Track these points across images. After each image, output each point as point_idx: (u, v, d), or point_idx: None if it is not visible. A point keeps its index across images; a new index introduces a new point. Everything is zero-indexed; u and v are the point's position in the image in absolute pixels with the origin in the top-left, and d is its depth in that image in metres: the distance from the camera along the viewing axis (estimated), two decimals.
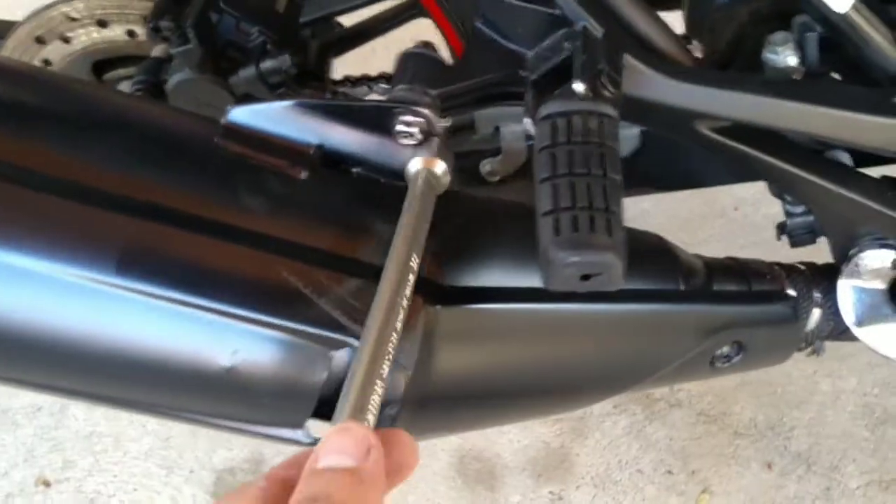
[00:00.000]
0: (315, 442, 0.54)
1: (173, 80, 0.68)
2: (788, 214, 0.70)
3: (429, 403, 0.54)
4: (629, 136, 0.67)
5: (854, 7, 0.54)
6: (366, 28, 0.82)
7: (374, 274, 0.51)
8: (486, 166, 0.70)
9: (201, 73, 0.67)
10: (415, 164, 0.52)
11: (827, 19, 0.55)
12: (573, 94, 0.50)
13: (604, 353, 0.59)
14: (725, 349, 0.65)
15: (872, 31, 0.55)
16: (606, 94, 0.51)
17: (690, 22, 0.73)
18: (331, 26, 0.82)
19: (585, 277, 0.45)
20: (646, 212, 1.21)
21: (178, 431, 1.13)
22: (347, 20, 0.88)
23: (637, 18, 0.56)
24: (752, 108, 0.56)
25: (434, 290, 0.52)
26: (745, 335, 0.64)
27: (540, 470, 1.08)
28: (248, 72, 0.67)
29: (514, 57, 0.57)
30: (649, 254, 0.64)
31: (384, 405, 0.51)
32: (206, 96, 0.67)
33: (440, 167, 0.52)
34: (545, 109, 0.50)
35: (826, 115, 0.57)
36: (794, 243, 0.71)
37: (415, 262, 0.48)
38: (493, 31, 0.57)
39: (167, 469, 1.12)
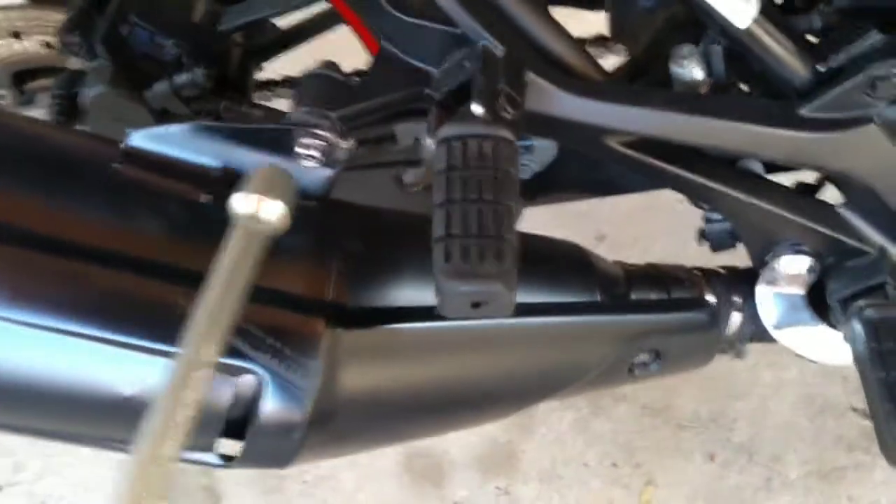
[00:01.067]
0: (226, 460, 0.54)
1: (88, 94, 0.67)
2: (707, 220, 0.70)
3: (337, 424, 0.54)
4: (545, 146, 0.67)
5: (755, 21, 0.54)
6: (292, 33, 0.81)
7: (273, 301, 0.51)
8: (407, 176, 0.70)
9: (114, 87, 0.66)
10: (238, 203, 0.49)
11: (730, 32, 0.55)
12: (470, 117, 0.50)
13: (516, 367, 0.59)
14: (643, 357, 0.65)
15: (775, 44, 0.55)
16: (505, 115, 0.51)
17: (613, 24, 0.74)
18: (259, 31, 0.81)
19: (476, 305, 0.45)
20: (593, 206, 1.21)
21: None
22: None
23: (542, 34, 0.56)
24: (656, 123, 0.56)
25: (338, 313, 0.52)
26: (663, 343, 0.65)
27: (487, 465, 1.09)
28: (161, 86, 0.66)
29: (421, 75, 0.56)
30: (566, 265, 0.64)
31: (287, 430, 0.52)
32: (121, 111, 0.66)
33: (269, 210, 0.49)
34: (442, 132, 0.50)
35: (730, 128, 0.57)
36: (714, 248, 0.72)
37: (226, 313, 0.46)
38: (398, 49, 0.56)
39: (118, 472, 1.11)
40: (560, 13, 0.64)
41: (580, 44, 0.60)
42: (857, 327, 0.63)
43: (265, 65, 0.82)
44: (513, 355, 0.59)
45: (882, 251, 0.64)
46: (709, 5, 0.52)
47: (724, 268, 0.73)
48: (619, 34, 0.73)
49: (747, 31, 0.53)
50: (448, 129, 0.49)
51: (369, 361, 0.54)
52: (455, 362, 0.57)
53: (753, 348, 1.14)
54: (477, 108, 0.50)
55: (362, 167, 0.66)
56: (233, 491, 1.09)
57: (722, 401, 1.10)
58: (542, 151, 0.67)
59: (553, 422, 1.11)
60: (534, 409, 1.11)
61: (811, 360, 0.71)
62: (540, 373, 0.61)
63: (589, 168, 0.70)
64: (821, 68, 0.56)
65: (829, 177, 0.65)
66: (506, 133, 0.49)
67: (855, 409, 1.08)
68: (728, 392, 1.11)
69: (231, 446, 0.54)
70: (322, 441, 0.55)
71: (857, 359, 0.63)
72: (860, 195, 0.63)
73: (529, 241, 0.67)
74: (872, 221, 0.64)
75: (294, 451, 0.54)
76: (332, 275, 0.52)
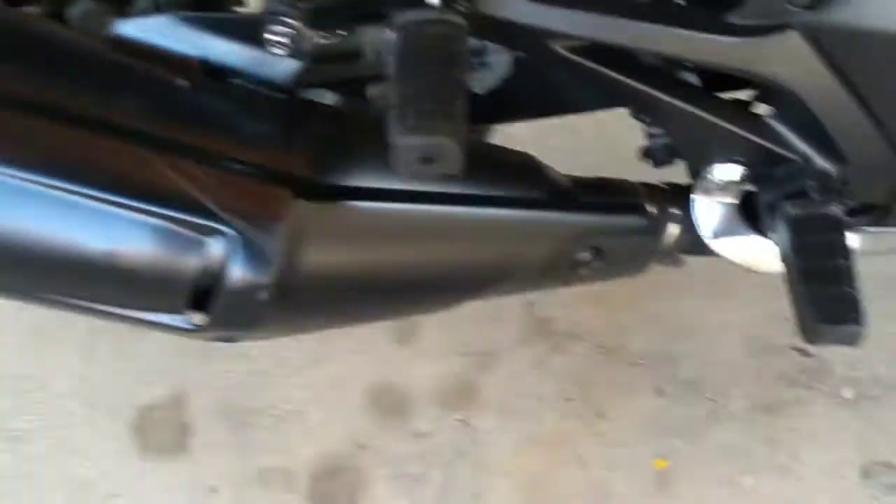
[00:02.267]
0: (196, 329, 0.59)
1: (75, 12, 0.71)
2: (648, 136, 0.76)
3: (300, 294, 0.59)
4: (501, 62, 0.73)
5: None
6: None
7: (244, 171, 0.56)
8: (372, 91, 0.75)
9: (100, 2, 0.70)
10: None
11: None
12: (426, 5, 0.55)
13: (466, 254, 0.65)
14: (586, 255, 0.71)
15: None
16: (459, 7, 0.56)
17: None
18: None
19: (427, 161, 0.50)
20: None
21: (100, 370, 1.17)
22: None
23: None
24: (597, 27, 0.62)
25: (304, 187, 0.57)
26: (604, 241, 0.71)
27: (448, 399, 1.14)
28: (144, 1, 0.71)
29: None
30: (517, 165, 0.70)
31: (253, 291, 0.56)
32: (109, 27, 0.70)
33: None
34: (401, 18, 0.55)
35: (665, 32, 0.62)
36: (656, 164, 0.77)
37: None
38: None
39: (90, 407, 1.15)
40: None
41: None
42: (782, 226, 0.69)
43: None
44: (463, 242, 0.65)
45: (807, 158, 0.71)
46: None
47: (665, 183, 0.79)
48: None
49: None
50: (405, 16, 0.55)
51: (331, 235, 0.59)
52: (411, 244, 0.62)
53: (699, 291, 1.21)
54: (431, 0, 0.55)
55: (333, 84, 0.71)
56: (202, 424, 1.13)
57: (671, 340, 1.16)
58: (498, 67, 0.73)
59: (511, 359, 1.16)
60: (494, 347, 1.18)
61: (746, 269, 0.77)
62: (488, 261, 0.66)
63: (542, 87, 0.75)
64: None
65: (761, 92, 0.71)
66: (458, 19, 0.55)
67: (795, 348, 1.15)
68: (676, 332, 1.17)
69: (199, 318, 0.59)
70: (285, 310, 0.60)
71: (783, 256, 0.69)
72: (787, 105, 0.69)
73: (483, 145, 0.73)
74: (798, 131, 0.70)
75: (258, 315, 0.58)
76: (299, 152, 0.57)
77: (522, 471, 1.10)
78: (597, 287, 1.18)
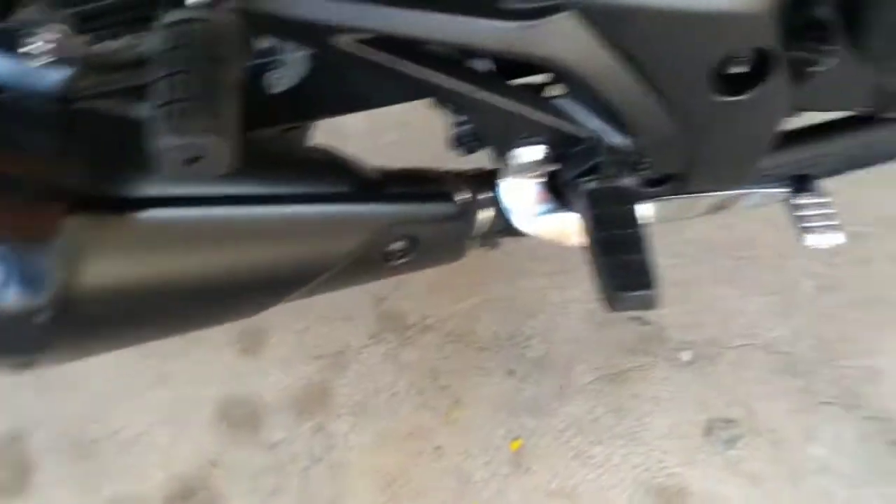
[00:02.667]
0: None
1: None
2: (454, 125, 0.77)
3: (87, 312, 0.57)
4: (298, 60, 0.72)
5: None
6: None
7: (14, 188, 0.53)
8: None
9: None
10: None
11: None
12: (191, 5, 0.54)
13: (265, 257, 0.64)
14: (399, 245, 0.71)
15: None
16: (227, 4, 0.55)
17: None
18: None
19: (193, 161, 0.49)
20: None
21: None
22: None
23: None
24: (379, 18, 0.62)
25: (82, 200, 0.55)
26: (415, 231, 0.71)
27: (302, 406, 1.13)
28: None
29: None
30: (317, 161, 0.69)
31: (28, 314, 0.54)
32: None
33: None
34: (165, 19, 0.53)
35: (442, 20, 0.63)
36: (466, 151, 0.78)
37: None
38: None
39: None
40: None
41: None
42: (581, 200, 0.72)
43: None
44: (264, 243, 0.63)
45: (599, 135, 0.73)
46: None
47: (476, 169, 0.81)
48: None
49: None
50: (170, 16, 0.53)
51: (115, 248, 0.57)
52: (207, 249, 0.61)
53: (539, 272, 1.24)
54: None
55: (114, 93, 0.68)
56: (45, 459, 1.08)
57: (516, 322, 1.19)
58: (294, 65, 0.72)
59: (364, 357, 1.16)
60: (346, 347, 1.17)
61: (557, 244, 0.80)
62: (293, 260, 0.65)
63: (343, 83, 0.75)
64: None
65: (554, 75, 0.73)
66: (226, 17, 0.53)
67: (634, 318, 1.20)
68: (521, 314, 1.20)
69: None
70: (72, 332, 0.57)
71: (585, 228, 0.72)
72: (576, 86, 0.71)
73: (280, 143, 0.72)
74: (589, 109, 0.72)
75: (42, 339, 0.56)
76: (74, 165, 0.55)
77: (380, 469, 1.09)
78: (442, 277, 1.20)
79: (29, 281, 0.52)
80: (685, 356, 1.17)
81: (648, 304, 0.67)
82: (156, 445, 1.10)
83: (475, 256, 1.22)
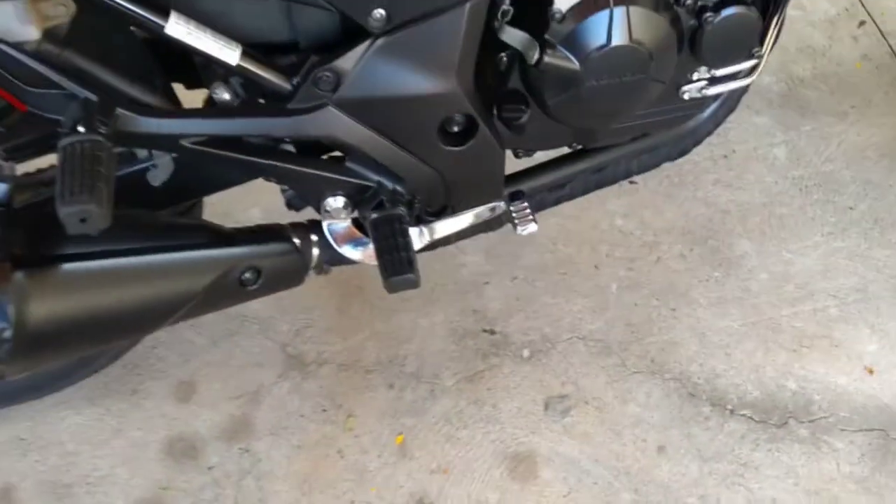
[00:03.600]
0: None
1: None
2: (283, 191, 1.12)
3: (35, 334, 0.89)
4: (166, 163, 1.07)
5: (241, 61, 0.95)
6: None
7: None
8: None
9: None
10: None
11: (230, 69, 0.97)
12: (77, 132, 0.89)
13: (154, 285, 0.97)
14: (248, 275, 1.04)
15: (264, 72, 0.97)
16: (100, 130, 0.90)
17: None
18: None
19: (83, 220, 0.82)
20: None
21: None
22: None
23: (125, 87, 0.96)
24: (199, 125, 0.96)
25: (21, 260, 0.88)
26: (260, 263, 1.04)
27: (229, 434, 1.43)
28: None
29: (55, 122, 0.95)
30: (186, 224, 1.03)
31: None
32: None
33: None
34: (63, 141, 0.88)
35: (246, 121, 0.98)
36: (294, 209, 1.13)
37: None
38: (37, 109, 0.94)
39: None
40: None
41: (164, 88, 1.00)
42: (370, 227, 1.05)
43: None
44: (142, 282, 0.96)
45: (379, 183, 1.08)
46: (206, 53, 0.93)
47: (309, 220, 1.15)
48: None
49: (238, 66, 0.96)
50: (64, 140, 0.88)
51: (44, 290, 0.90)
52: (105, 287, 0.94)
53: (410, 307, 1.56)
54: (80, 128, 0.89)
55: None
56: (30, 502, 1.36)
57: (394, 347, 1.51)
58: (163, 167, 1.07)
59: (276, 391, 1.47)
60: (260, 386, 1.48)
61: (368, 264, 1.13)
62: (165, 293, 0.98)
63: (197, 173, 1.09)
64: (294, 81, 0.99)
65: (335, 146, 1.08)
66: (97, 137, 0.88)
67: (485, 330, 1.52)
68: (398, 339, 1.51)
69: None
70: (27, 347, 0.89)
71: (373, 246, 1.05)
72: (352, 153, 1.06)
73: (153, 215, 1.06)
74: (367, 167, 1.07)
75: (6, 357, 0.87)
76: (13, 240, 0.88)
77: (296, 473, 1.39)
78: (333, 322, 1.53)
79: None
80: (525, 353, 1.49)
81: (411, 284, 1.00)
82: (117, 482, 1.38)
83: (356, 303, 1.56)
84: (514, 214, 1.11)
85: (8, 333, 0.85)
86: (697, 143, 1.35)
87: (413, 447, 1.40)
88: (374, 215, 1.06)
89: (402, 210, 1.06)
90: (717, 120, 1.33)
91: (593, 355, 1.48)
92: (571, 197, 1.29)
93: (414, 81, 0.99)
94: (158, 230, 0.98)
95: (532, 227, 1.10)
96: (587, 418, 1.42)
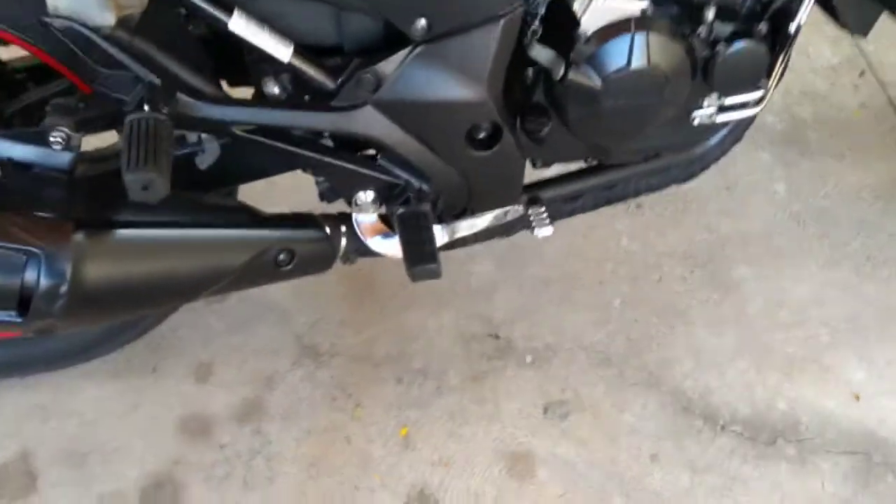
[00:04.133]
0: (21, 321, 0.95)
1: None
2: (317, 183, 1.20)
3: (87, 293, 0.96)
4: (213, 148, 1.15)
5: (292, 58, 1.04)
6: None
7: (41, 217, 0.94)
8: None
9: None
10: None
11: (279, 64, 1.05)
12: (142, 111, 0.97)
13: (196, 259, 1.04)
14: (283, 256, 1.12)
15: (311, 69, 1.06)
16: (163, 109, 0.98)
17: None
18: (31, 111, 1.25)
19: (146, 189, 0.90)
20: None
21: None
22: None
23: (186, 75, 1.04)
24: (250, 115, 1.05)
25: (82, 223, 0.96)
26: (294, 246, 1.12)
27: (242, 415, 1.49)
28: None
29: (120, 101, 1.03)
30: (230, 205, 1.11)
31: (55, 294, 0.93)
32: None
33: None
34: (128, 117, 0.96)
35: (294, 114, 1.07)
36: (327, 201, 1.21)
37: None
38: (105, 88, 1.03)
39: None
40: None
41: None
42: (397, 220, 1.14)
43: None
44: (187, 253, 1.05)
45: (407, 181, 1.16)
46: (263, 49, 1.02)
47: (339, 212, 1.23)
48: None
49: (290, 63, 1.04)
50: (131, 116, 0.96)
51: (100, 252, 0.97)
52: (152, 257, 1.02)
53: (421, 305, 1.64)
54: (145, 106, 0.97)
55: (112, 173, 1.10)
56: (47, 470, 1.42)
57: (403, 344, 1.58)
58: (210, 152, 1.15)
59: (289, 378, 1.54)
60: (274, 372, 1.55)
61: (394, 258, 1.21)
62: (207, 265, 1.06)
63: (244, 161, 1.18)
64: (338, 80, 1.08)
65: (371, 144, 1.16)
66: (160, 116, 0.96)
67: (490, 335, 1.59)
68: (407, 337, 1.58)
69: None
70: (80, 304, 0.97)
71: (398, 238, 1.13)
72: (387, 150, 1.14)
73: (204, 195, 1.14)
74: (398, 165, 1.15)
75: (63, 308, 0.95)
76: (77, 204, 0.96)
77: (304, 456, 1.45)
78: (346, 316, 1.61)
79: (57, 270, 0.92)
80: (528, 358, 1.56)
81: (434, 274, 1.08)
82: (131, 453, 1.45)
83: (370, 301, 1.64)
84: (531, 218, 1.19)
85: (64, 289, 0.92)
86: (704, 168, 1.43)
87: (417, 439, 1.47)
88: (401, 210, 1.14)
89: (427, 207, 1.15)
90: (723, 148, 1.42)
91: (593, 365, 1.55)
92: (583, 210, 1.37)
93: (448, 88, 1.08)
94: (205, 208, 1.06)
95: (548, 230, 1.18)
96: (584, 424, 1.49)
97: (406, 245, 1.09)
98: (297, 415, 1.50)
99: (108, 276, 0.98)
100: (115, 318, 1.08)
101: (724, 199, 1.78)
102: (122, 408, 1.49)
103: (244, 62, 1.08)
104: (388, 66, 1.06)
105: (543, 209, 1.20)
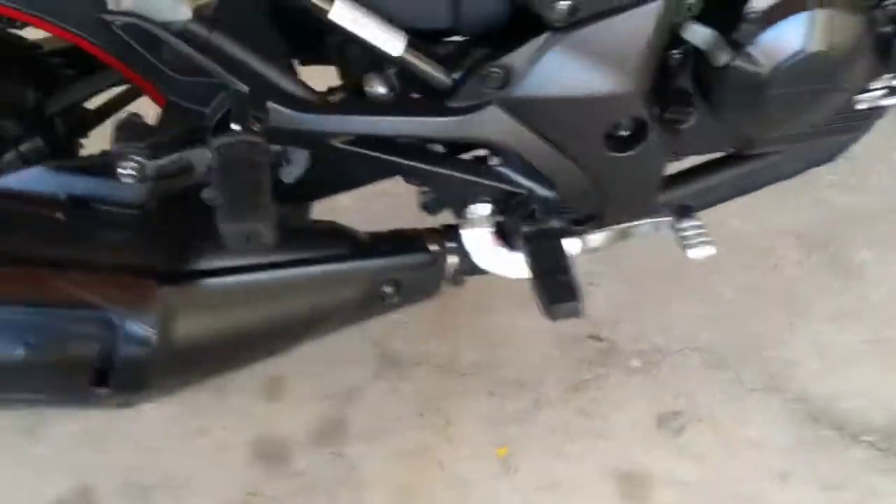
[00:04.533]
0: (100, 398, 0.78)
1: None
2: (420, 194, 1.01)
3: (176, 358, 0.79)
4: (301, 157, 0.96)
5: (405, 51, 0.85)
6: (105, 108, 1.07)
7: (119, 272, 0.77)
8: (206, 194, 0.96)
9: None
10: None
11: (390, 59, 0.86)
12: (231, 131, 0.78)
13: (299, 304, 0.87)
14: (388, 289, 0.95)
15: (422, 64, 0.87)
16: (254, 128, 0.79)
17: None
18: (76, 112, 1.06)
19: (248, 240, 0.72)
20: None
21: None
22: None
23: (276, 78, 0.85)
24: (355, 124, 0.87)
25: (167, 275, 0.78)
26: (400, 276, 0.95)
27: (321, 438, 1.34)
28: (10, 155, 0.90)
29: (199, 114, 0.84)
30: (323, 231, 0.93)
31: (139, 363, 0.76)
32: None
33: None
34: (216, 142, 0.77)
35: (404, 121, 0.88)
36: (431, 213, 1.03)
37: None
38: (180, 99, 0.84)
39: None
40: None
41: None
42: (522, 241, 0.96)
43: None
44: (291, 298, 0.87)
45: (531, 190, 0.98)
46: (370, 43, 0.83)
47: (444, 225, 1.05)
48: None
49: (400, 58, 0.85)
50: (219, 140, 0.77)
51: (192, 308, 0.80)
52: (255, 305, 0.84)
53: (507, 305, 1.47)
54: (234, 125, 0.78)
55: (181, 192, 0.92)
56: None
57: (493, 348, 1.42)
58: (298, 161, 0.96)
59: (370, 392, 1.38)
60: (354, 385, 1.39)
61: (509, 277, 1.03)
62: (312, 309, 0.89)
63: (335, 171, 0.99)
64: (455, 76, 0.89)
65: (490, 148, 0.97)
66: (254, 138, 0.78)
67: (590, 336, 1.43)
68: (496, 342, 1.42)
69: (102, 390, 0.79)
70: (167, 372, 0.80)
71: (526, 262, 0.95)
72: (508, 156, 0.96)
73: (298, 220, 0.96)
74: (520, 172, 0.97)
75: (146, 380, 0.78)
76: (158, 251, 0.78)
77: (393, 482, 1.31)
78: (426, 319, 1.44)
79: (139, 336, 0.75)
80: (636, 363, 1.40)
81: (575, 313, 0.91)
82: (202, 485, 1.30)
83: (452, 300, 1.47)
84: (684, 234, 1.01)
85: (150, 356, 0.75)
86: (842, 150, 1.25)
87: (517, 460, 1.32)
88: (528, 228, 0.96)
89: (557, 222, 0.97)
90: (868, 125, 1.23)
91: (707, 368, 1.39)
92: (712, 204, 1.19)
93: (591, 81, 0.89)
94: (301, 240, 0.88)
95: (708, 250, 1.00)
96: (702, 438, 1.33)
97: (539, 276, 0.92)
98: (382, 435, 1.34)
99: (200, 336, 0.81)
100: (203, 381, 0.91)
101: (841, 171, 1.59)
102: (186, 433, 1.34)
103: (317, 34, 0.88)
104: (520, 57, 0.86)
105: (699, 223, 1.01)
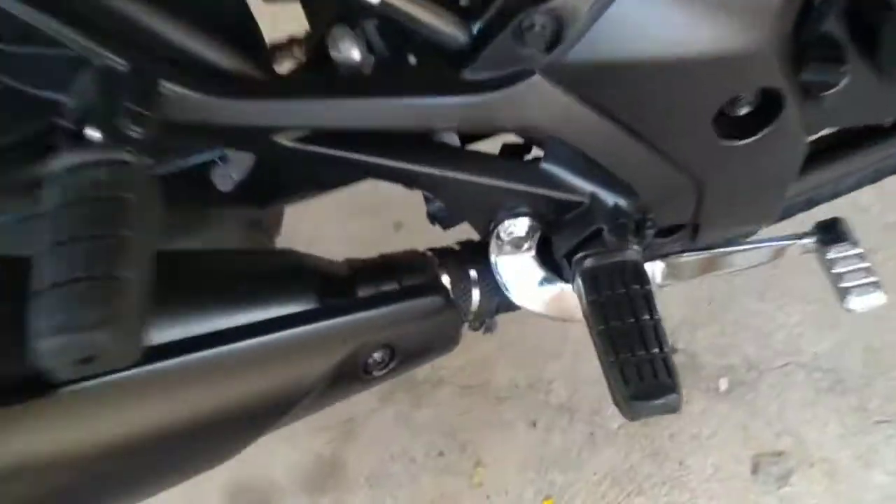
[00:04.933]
0: None
1: None
2: (426, 200, 0.68)
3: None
4: (241, 159, 0.63)
5: None
6: None
7: None
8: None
9: None
10: None
11: (371, 8, 0.52)
12: (87, 143, 0.46)
13: (230, 398, 0.55)
14: (378, 355, 0.62)
15: (419, 10, 0.53)
16: (132, 134, 0.47)
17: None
18: None
19: (87, 360, 0.40)
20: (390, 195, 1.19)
21: None
22: None
23: (185, 42, 0.52)
24: (318, 113, 0.53)
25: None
26: (396, 335, 0.62)
27: (314, 483, 1.06)
28: None
29: (52, 105, 0.51)
30: (276, 275, 0.61)
31: None
32: None
33: None
34: (54, 165, 0.45)
35: (395, 105, 0.54)
36: (445, 226, 0.70)
37: None
38: (20, 83, 0.51)
39: None
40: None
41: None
42: (579, 281, 0.63)
43: None
44: (228, 383, 0.55)
45: (593, 197, 0.64)
46: None
47: (460, 243, 0.72)
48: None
49: (383, 3, 0.51)
50: (59, 161, 0.45)
51: (45, 427, 0.49)
52: (147, 408, 0.52)
53: None
54: (92, 133, 0.45)
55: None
56: None
57: (536, 365, 1.11)
58: (238, 161, 0.63)
59: (375, 422, 1.09)
60: (354, 414, 1.09)
61: (560, 321, 0.71)
62: (264, 394, 0.57)
63: (290, 173, 0.67)
64: (474, 28, 0.54)
65: (526, 137, 0.64)
66: (125, 156, 0.45)
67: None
68: (540, 356, 1.11)
69: None
70: None
71: (584, 313, 0.62)
72: (554, 147, 0.62)
73: (228, 259, 0.63)
74: (575, 170, 0.63)
75: None
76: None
77: None
78: None
79: None
80: (723, 384, 1.08)
81: (671, 409, 0.58)
82: None
83: None
84: (838, 271, 0.66)
85: None
86: None
87: None
88: (591, 260, 0.62)
89: (635, 253, 0.62)
90: None
91: (819, 392, 1.06)
92: (840, 194, 0.84)
93: (697, 36, 0.55)
94: (249, 290, 0.56)
95: (878, 299, 0.65)
96: (814, 488, 1.01)
97: (613, 350, 0.58)
98: (391, 478, 1.05)
99: (79, 463, 0.50)
100: None
101: None
102: None
103: None
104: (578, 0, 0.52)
105: (860, 252, 0.66)
